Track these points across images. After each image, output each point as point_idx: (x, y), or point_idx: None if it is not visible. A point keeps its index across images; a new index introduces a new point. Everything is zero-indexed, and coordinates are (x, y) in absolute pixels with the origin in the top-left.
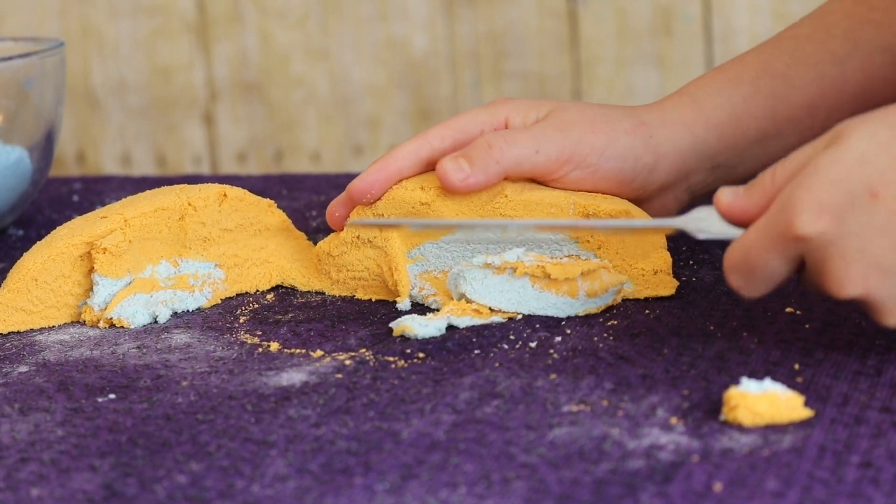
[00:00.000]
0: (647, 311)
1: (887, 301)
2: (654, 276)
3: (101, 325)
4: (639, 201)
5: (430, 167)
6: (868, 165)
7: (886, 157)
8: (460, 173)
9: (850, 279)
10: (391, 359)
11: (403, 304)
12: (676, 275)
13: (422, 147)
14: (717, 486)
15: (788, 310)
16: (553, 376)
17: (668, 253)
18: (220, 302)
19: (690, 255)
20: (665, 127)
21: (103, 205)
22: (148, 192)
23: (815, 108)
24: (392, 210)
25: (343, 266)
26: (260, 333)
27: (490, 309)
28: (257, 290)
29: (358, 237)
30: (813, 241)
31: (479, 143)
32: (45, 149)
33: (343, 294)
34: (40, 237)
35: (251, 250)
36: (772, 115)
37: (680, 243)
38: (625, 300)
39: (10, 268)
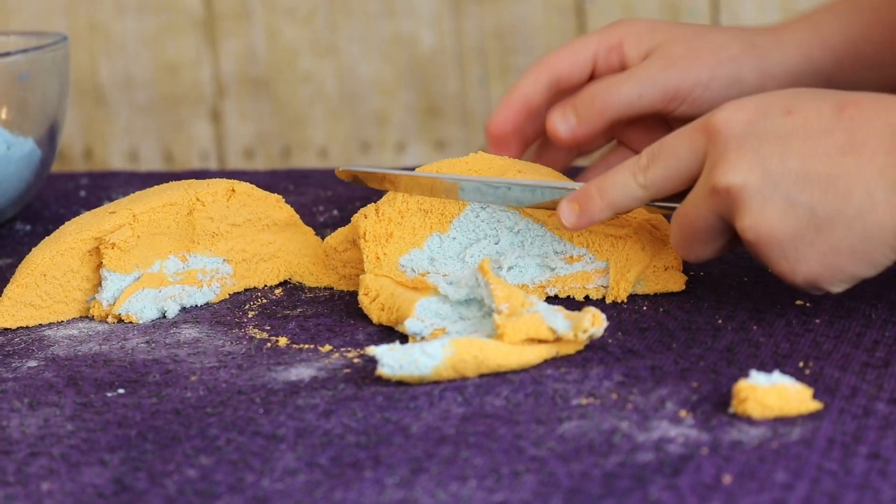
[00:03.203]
0: (655, 306)
1: (754, 199)
2: (665, 273)
3: (110, 320)
4: None
5: (554, 89)
6: (790, 98)
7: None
8: (565, 124)
9: (736, 167)
10: None
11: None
12: (684, 268)
13: (541, 72)
14: (727, 479)
15: (798, 302)
16: (562, 369)
17: None
18: (228, 297)
19: None
20: (778, 49)
21: (110, 200)
22: (156, 187)
23: None
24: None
25: (349, 261)
26: (268, 328)
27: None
28: (265, 285)
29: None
30: (722, 134)
31: (584, 95)
32: (49, 142)
33: (351, 289)
34: (47, 232)
35: (259, 245)
36: (890, 43)
37: None
38: (634, 295)
39: (18, 263)
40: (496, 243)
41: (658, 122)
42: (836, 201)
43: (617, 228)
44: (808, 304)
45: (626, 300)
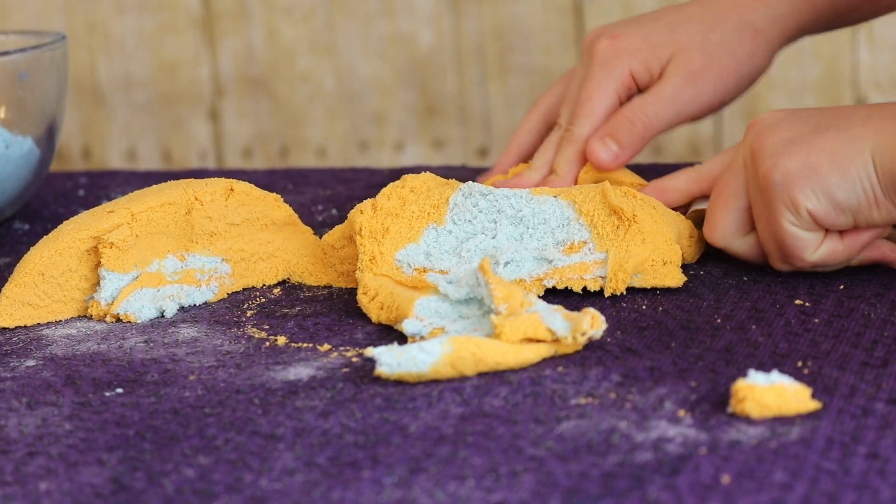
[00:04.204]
0: (654, 305)
1: (768, 118)
2: (663, 267)
3: (108, 319)
4: None
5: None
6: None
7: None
8: (608, 153)
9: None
10: None
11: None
12: (684, 268)
13: (538, 120)
14: (725, 479)
15: (797, 302)
16: (560, 368)
17: (678, 246)
18: (226, 296)
19: None
20: (776, 25)
21: (109, 199)
22: (154, 186)
23: None
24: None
25: (346, 258)
26: (267, 327)
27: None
28: (264, 285)
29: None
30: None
31: (620, 121)
32: (47, 142)
33: (349, 286)
34: (46, 231)
35: (258, 245)
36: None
37: None
38: (631, 289)
39: (17, 262)
40: (493, 237)
41: None
42: (838, 119)
43: (624, 200)
44: (807, 304)
45: (625, 293)
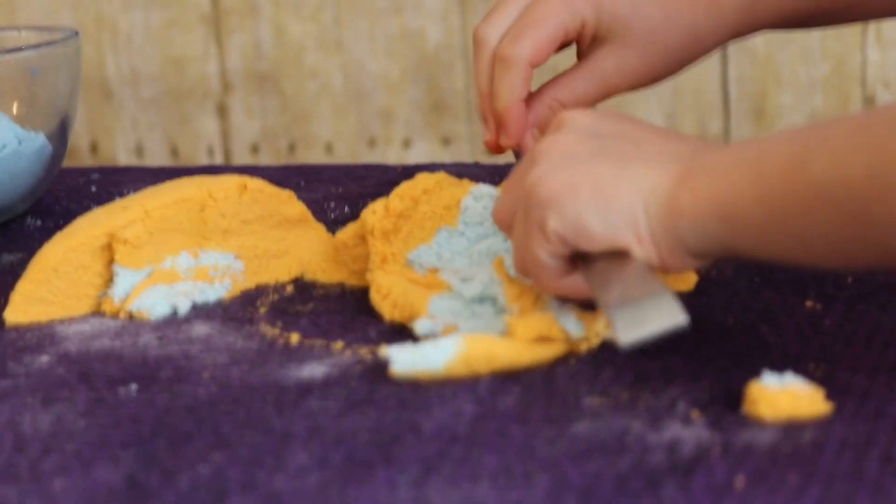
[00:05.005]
0: None
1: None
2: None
3: (121, 316)
4: None
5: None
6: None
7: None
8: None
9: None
10: None
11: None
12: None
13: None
14: (739, 481)
15: (808, 304)
16: (573, 367)
17: None
18: (239, 293)
19: None
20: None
21: (121, 196)
22: (168, 183)
23: None
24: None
25: (359, 257)
26: (280, 325)
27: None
28: (277, 282)
29: (372, 232)
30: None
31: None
32: (59, 137)
33: (362, 284)
34: (58, 227)
35: (271, 242)
36: None
37: None
38: None
39: (29, 258)
40: (505, 239)
41: None
42: (630, 146)
43: None
44: (818, 307)
45: None
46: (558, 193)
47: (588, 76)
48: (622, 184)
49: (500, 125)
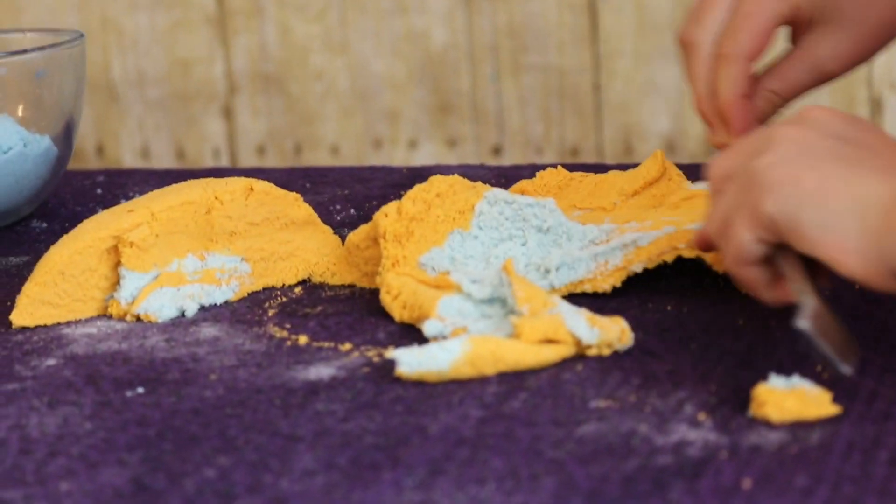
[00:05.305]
0: (679, 305)
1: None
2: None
3: (128, 318)
4: None
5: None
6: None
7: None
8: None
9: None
10: None
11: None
12: (711, 271)
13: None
14: (746, 483)
15: None
16: (580, 370)
17: None
18: (247, 296)
19: None
20: None
21: (127, 198)
22: (174, 185)
23: None
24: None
25: (371, 259)
26: (288, 327)
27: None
28: (284, 284)
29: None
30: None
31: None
32: (65, 140)
33: (372, 286)
34: (64, 230)
35: (277, 244)
36: None
37: None
38: (658, 291)
39: (35, 261)
40: (523, 244)
41: None
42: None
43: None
44: None
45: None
46: (783, 183)
47: (802, 64)
48: (846, 189)
49: (723, 122)
